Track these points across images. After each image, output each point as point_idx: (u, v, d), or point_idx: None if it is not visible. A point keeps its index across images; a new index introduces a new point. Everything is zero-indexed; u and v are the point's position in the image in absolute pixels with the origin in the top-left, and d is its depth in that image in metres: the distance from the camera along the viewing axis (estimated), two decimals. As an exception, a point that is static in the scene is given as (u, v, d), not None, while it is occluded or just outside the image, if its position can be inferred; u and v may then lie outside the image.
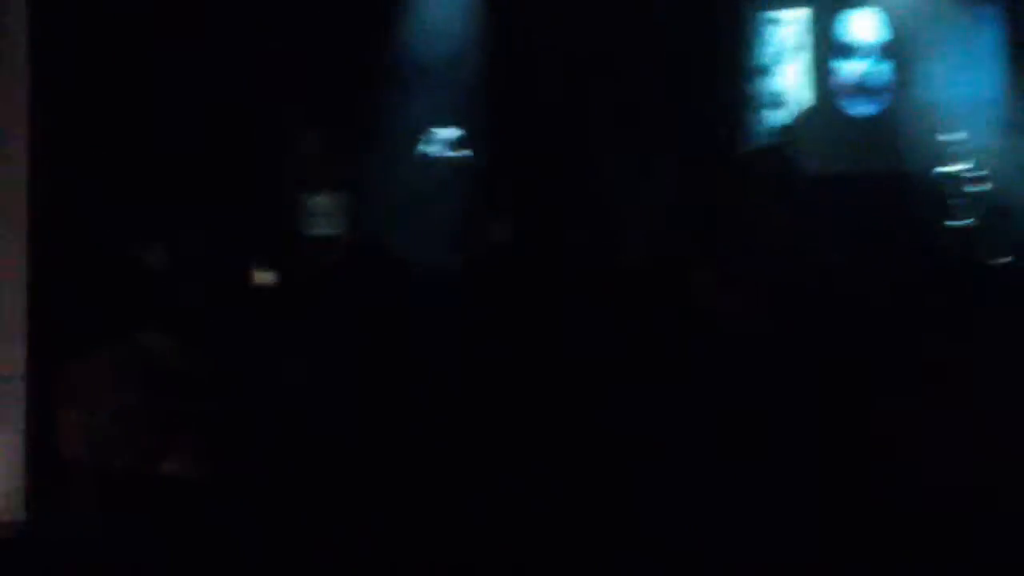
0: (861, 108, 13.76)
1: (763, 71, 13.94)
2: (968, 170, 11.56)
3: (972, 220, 10.27)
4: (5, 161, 5.45)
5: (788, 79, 13.93)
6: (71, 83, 8.83)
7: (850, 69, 13.82)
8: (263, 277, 6.20)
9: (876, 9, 13.66)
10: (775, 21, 13.93)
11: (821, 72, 13.89)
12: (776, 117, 13.76)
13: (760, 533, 4.07)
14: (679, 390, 4.58)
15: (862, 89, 13.76)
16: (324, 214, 10.53)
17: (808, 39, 13.91)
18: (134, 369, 3.29)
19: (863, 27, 13.80)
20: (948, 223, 10.82)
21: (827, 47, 13.84)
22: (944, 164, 11.96)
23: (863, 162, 12.93)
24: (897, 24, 13.71)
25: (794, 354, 4.92)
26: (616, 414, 4.54)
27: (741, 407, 4.50)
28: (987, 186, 10.77)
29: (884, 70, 13.68)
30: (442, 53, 12.68)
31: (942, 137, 12.37)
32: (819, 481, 4.17)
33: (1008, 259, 8.99)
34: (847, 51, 13.83)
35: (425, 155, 11.88)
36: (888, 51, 13.71)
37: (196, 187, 10.57)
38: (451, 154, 11.91)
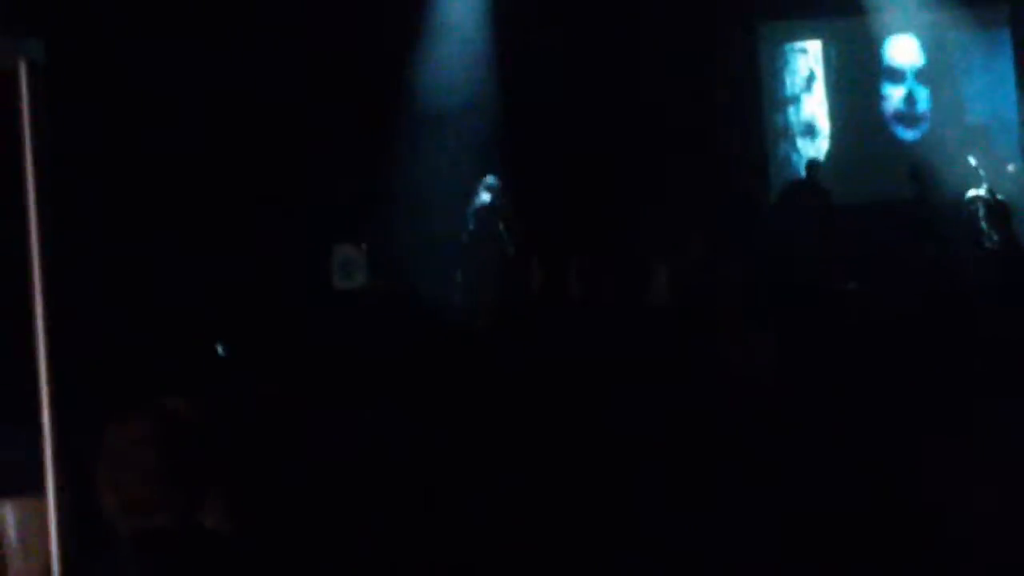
0: (903, 134, 13.83)
1: (793, 101, 14.01)
2: (995, 192, 11.57)
3: (998, 239, 10.27)
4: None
5: (821, 108, 14.00)
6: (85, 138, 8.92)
7: (889, 95, 13.90)
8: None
9: (908, 35, 13.75)
10: (804, 51, 14.02)
11: (861, 99, 13.96)
12: (810, 147, 13.83)
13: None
14: (717, 436, 4.58)
15: (903, 115, 13.83)
16: (351, 265, 10.53)
17: (840, 68, 13.99)
18: (165, 427, 3.32)
19: (900, 54, 13.88)
20: (979, 244, 10.83)
21: (865, 74, 13.93)
22: (973, 187, 11.98)
23: (903, 187, 12.95)
24: (926, 50, 13.81)
25: (835, 387, 4.91)
26: (656, 456, 4.54)
27: (777, 442, 4.50)
28: (1013, 208, 10.78)
29: (922, 95, 13.76)
30: (466, 101, 12.72)
31: (970, 160, 12.39)
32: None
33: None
34: (886, 77, 13.93)
35: (475, 205, 11.90)
36: (923, 76, 13.79)
37: (223, 240, 10.62)
38: (484, 202, 11.92)
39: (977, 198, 11.76)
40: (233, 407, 4.21)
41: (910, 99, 13.96)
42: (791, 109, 14.07)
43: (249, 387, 4.98)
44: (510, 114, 12.66)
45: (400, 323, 6.63)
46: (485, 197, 11.86)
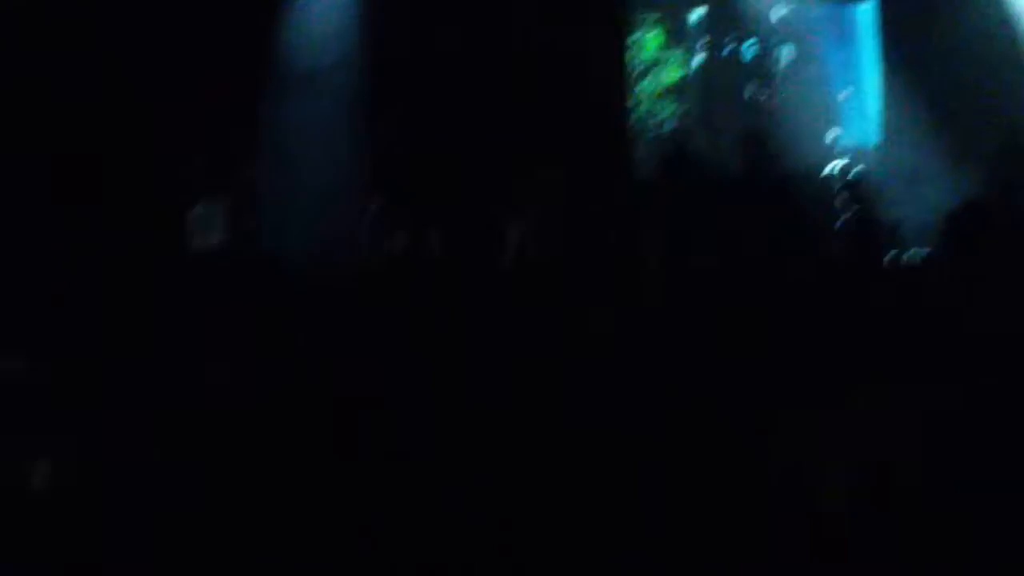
0: (767, 103, 13.93)
1: (649, 68, 14.07)
2: (850, 167, 11.69)
3: (854, 216, 10.36)
4: None
5: (685, 75, 14.09)
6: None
7: (757, 63, 14.01)
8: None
9: (777, 5, 13.88)
10: (662, 17, 14.09)
11: (728, 69, 14.05)
12: (668, 114, 13.91)
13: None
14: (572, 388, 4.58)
15: (769, 85, 13.95)
16: (207, 223, 10.40)
17: (707, 37, 14.08)
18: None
19: (769, 24, 13.99)
20: (833, 219, 10.93)
21: (734, 43, 14.02)
22: (828, 160, 12.08)
23: (753, 158, 13.03)
24: (792, 21, 13.93)
25: (682, 355, 4.93)
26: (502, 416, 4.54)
27: (630, 403, 4.51)
28: (867, 183, 10.89)
29: (787, 66, 13.89)
30: (326, 59, 12.61)
31: (826, 134, 12.52)
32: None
33: (890, 255, 9.10)
34: (755, 45, 14.03)
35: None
36: (789, 46, 13.93)
37: (72, 197, 10.43)
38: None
39: (836, 172, 11.86)
40: (68, 370, 4.15)
41: (776, 68, 14.08)
42: (652, 75, 14.14)
43: (91, 349, 4.91)
44: (378, 73, 12.59)
45: (258, 283, 6.57)
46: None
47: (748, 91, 14.03)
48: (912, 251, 9.04)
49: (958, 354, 4.42)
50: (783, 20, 13.97)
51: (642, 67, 14.05)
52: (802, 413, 4.22)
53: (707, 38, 14.12)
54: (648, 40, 14.09)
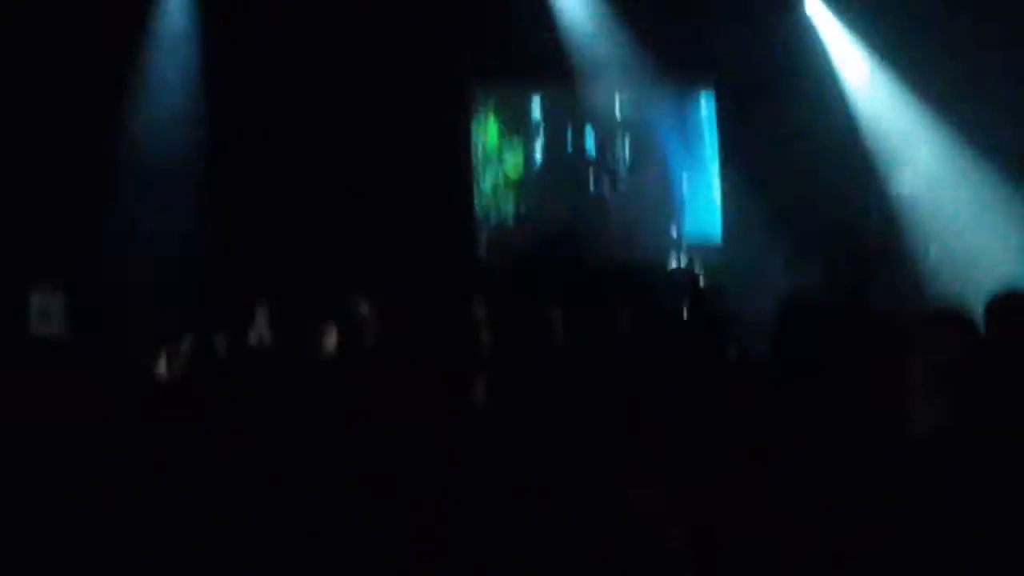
0: (610, 198, 14.04)
1: (495, 157, 14.15)
2: (691, 259, 11.83)
3: (693, 309, 10.49)
4: None
5: (520, 163, 14.17)
6: None
7: (597, 157, 14.13)
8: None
9: (617, 96, 14.01)
10: (507, 105, 14.19)
11: (570, 161, 14.15)
12: (510, 204, 13.97)
13: None
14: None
15: (610, 181, 14.07)
16: (47, 313, 10.24)
17: (550, 128, 14.19)
18: None
19: (608, 116, 14.13)
20: (673, 311, 11.05)
21: (574, 134, 14.14)
22: (670, 252, 12.22)
23: (598, 246, 13.11)
24: (632, 113, 14.07)
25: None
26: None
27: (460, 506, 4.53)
28: (708, 275, 11.05)
29: (627, 161, 14.02)
30: (170, 150, 12.54)
31: (672, 230, 12.63)
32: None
33: (728, 347, 9.22)
34: (595, 139, 14.17)
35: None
36: (629, 140, 14.06)
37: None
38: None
39: (676, 270, 11.97)
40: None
41: (618, 159, 14.22)
42: (494, 165, 14.24)
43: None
44: (220, 168, 12.55)
45: (98, 371, 6.50)
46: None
47: (589, 182, 14.16)
48: (749, 344, 9.17)
49: (794, 443, 4.51)
50: (625, 110, 14.13)
51: (484, 157, 14.15)
52: (643, 500, 4.28)
53: (549, 129, 14.25)
54: (489, 130, 14.20)
